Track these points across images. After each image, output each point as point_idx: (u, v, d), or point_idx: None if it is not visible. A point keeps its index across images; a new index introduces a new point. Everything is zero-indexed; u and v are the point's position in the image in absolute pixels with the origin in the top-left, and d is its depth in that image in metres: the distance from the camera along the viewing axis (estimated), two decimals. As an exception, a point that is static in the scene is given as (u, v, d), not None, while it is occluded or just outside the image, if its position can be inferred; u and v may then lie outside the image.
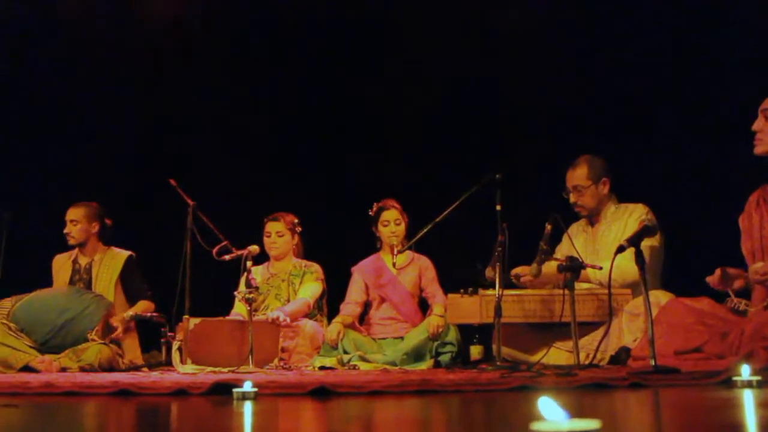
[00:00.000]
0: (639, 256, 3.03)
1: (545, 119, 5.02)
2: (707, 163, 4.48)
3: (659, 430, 1.70)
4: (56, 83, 5.52)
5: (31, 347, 4.17)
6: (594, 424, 1.06)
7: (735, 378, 2.46)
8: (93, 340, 4.19)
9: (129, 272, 4.62)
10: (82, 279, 4.61)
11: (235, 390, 2.43)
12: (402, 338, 4.30)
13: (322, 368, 3.99)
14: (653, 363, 2.90)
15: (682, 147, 4.58)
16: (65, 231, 4.60)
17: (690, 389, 2.61)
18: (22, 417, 2.24)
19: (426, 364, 4.08)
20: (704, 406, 2.14)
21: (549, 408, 1.10)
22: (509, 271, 3.80)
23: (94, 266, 4.61)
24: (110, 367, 4.14)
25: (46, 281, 4.67)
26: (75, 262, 4.66)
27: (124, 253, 4.65)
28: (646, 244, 3.28)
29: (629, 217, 3.96)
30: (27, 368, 4.06)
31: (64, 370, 4.06)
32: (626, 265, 3.32)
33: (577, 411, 1.14)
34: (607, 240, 3.98)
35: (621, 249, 3.11)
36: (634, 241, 3.08)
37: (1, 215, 4.84)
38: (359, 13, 5.48)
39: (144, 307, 4.54)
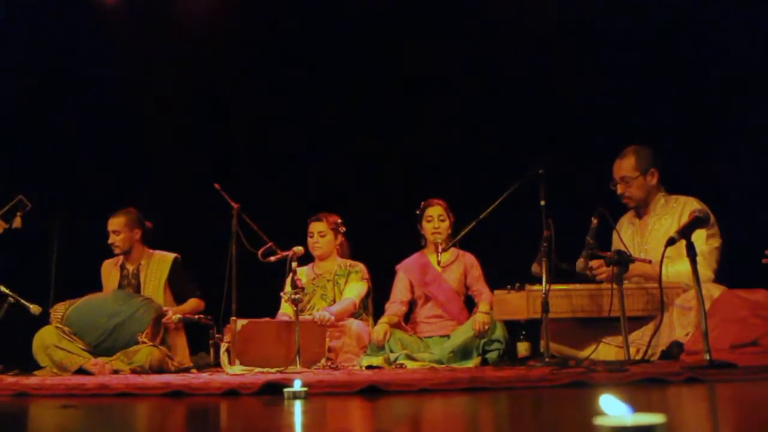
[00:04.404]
0: (690, 248, 2.96)
1: (589, 112, 4.95)
2: (761, 154, 4.37)
3: (718, 425, 1.66)
4: (100, 90, 5.61)
5: (84, 350, 4.26)
6: (658, 418, 1.03)
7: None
8: (143, 342, 4.26)
9: (176, 274, 4.67)
10: (130, 284, 4.68)
11: (285, 389, 2.44)
12: (448, 336, 4.28)
13: (369, 368, 3.99)
14: (708, 357, 2.84)
15: (736, 138, 4.48)
16: (109, 242, 4.65)
17: (748, 384, 2.54)
18: (80, 417, 2.29)
19: (473, 362, 4.05)
20: (764, 400, 2.08)
21: (611, 403, 1.07)
22: (585, 265, 3.68)
23: (141, 271, 4.67)
24: (160, 369, 4.20)
25: (97, 286, 4.75)
26: (122, 267, 4.73)
27: (170, 256, 4.70)
28: (701, 236, 3.18)
29: (682, 212, 3.83)
30: (81, 371, 4.15)
31: (116, 372, 4.13)
32: (688, 269, 3.15)
33: (632, 407, 1.11)
34: (658, 233, 3.89)
35: (671, 241, 3.05)
36: (685, 233, 3.01)
37: (53, 222, 4.95)
38: (404, 4, 5.46)
39: (194, 305, 4.60)
